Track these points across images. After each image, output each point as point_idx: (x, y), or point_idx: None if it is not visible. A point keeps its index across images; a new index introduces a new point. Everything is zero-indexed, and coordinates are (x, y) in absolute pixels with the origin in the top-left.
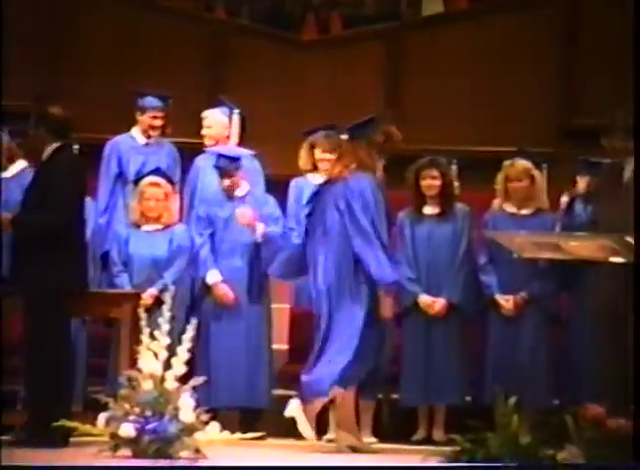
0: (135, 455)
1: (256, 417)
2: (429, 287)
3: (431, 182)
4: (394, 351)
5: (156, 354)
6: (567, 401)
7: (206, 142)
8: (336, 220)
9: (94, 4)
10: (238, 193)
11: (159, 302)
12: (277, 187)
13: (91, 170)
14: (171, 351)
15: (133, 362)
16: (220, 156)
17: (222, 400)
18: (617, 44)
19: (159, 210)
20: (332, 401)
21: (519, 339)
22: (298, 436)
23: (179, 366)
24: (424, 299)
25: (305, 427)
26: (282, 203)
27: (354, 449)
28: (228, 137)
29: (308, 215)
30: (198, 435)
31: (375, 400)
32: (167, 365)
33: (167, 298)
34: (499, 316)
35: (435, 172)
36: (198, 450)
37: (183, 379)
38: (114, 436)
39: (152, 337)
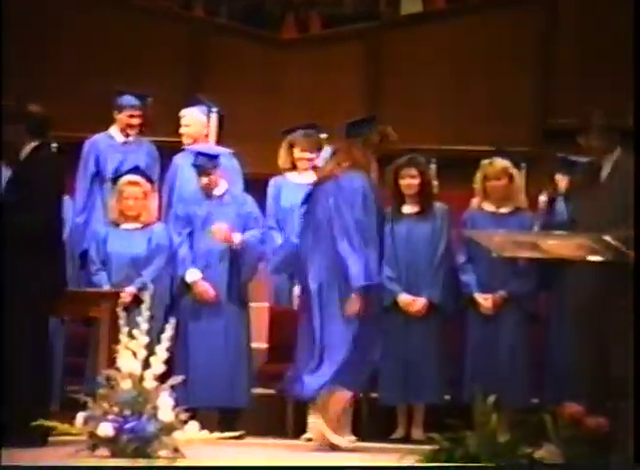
0: (113, 455)
1: (235, 416)
2: (408, 286)
3: (410, 181)
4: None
5: (134, 354)
6: (545, 400)
7: (185, 141)
8: (325, 219)
9: (72, 4)
10: (216, 192)
11: (137, 300)
12: (256, 186)
13: (69, 169)
14: (150, 350)
15: (112, 361)
16: (198, 153)
17: (201, 400)
18: (596, 44)
19: (137, 208)
20: (313, 401)
21: (498, 338)
22: (278, 435)
23: (158, 365)
24: (403, 298)
25: (337, 438)
26: (261, 202)
27: (333, 448)
28: (207, 136)
29: (304, 215)
30: (176, 434)
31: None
32: (146, 364)
33: (146, 297)
34: (478, 315)
35: (414, 171)
36: (176, 450)
37: (162, 378)
38: (92, 435)
39: (130, 336)
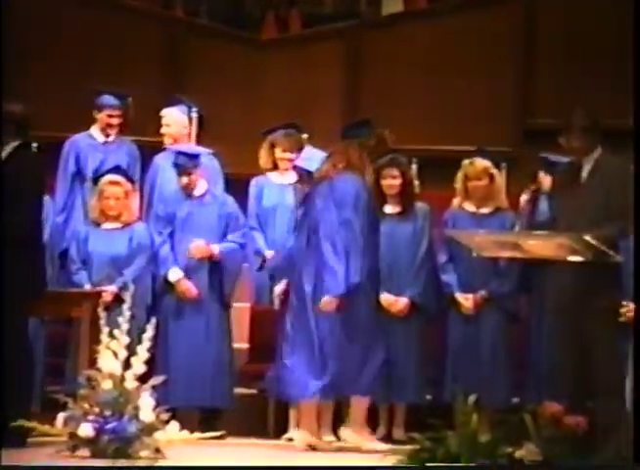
0: (94, 455)
1: (216, 416)
2: (390, 286)
3: (391, 181)
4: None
5: (115, 354)
6: (526, 400)
7: (166, 141)
8: (318, 220)
9: (52, 4)
10: (196, 192)
11: (118, 300)
12: (237, 186)
13: (49, 169)
14: (131, 350)
15: (92, 362)
16: (179, 153)
17: (182, 400)
18: (576, 44)
19: (118, 208)
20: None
21: (479, 338)
22: (259, 435)
23: (139, 365)
24: (385, 297)
25: (373, 444)
26: (242, 202)
27: (314, 448)
28: (189, 135)
29: (301, 216)
30: (157, 434)
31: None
32: (127, 365)
33: (127, 296)
34: (459, 315)
35: (396, 172)
36: (157, 450)
37: (143, 378)
38: (72, 436)
39: (111, 336)
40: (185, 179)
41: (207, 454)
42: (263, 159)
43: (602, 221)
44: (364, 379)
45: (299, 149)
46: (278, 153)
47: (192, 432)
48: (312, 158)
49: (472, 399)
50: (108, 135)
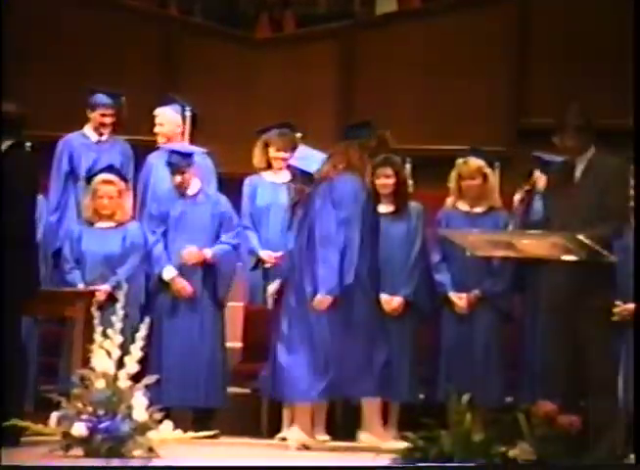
0: (87, 455)
1: (210, 416)
2: (384, 285)
3: (385, 181)
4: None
5: (109, 353)
6: (519, 399)
7: (159, 140)
8: (315, 220)
9: (45, 3)
10: (190, 191)
11: (112, 299)
12: (230, 185)
13: (43, 168)
14: (124, 349)
15: (86, 361)
16: (172, 151)
17: (175, 399)
18: (570, 43)
19: (112, 207)
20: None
21: (472, 337)
22: (252, 434)
23: (132, 365)
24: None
25: (390, 444)
26: (235, 201)
27: (307, 447)
28: (182, 134)
29: (301, 217)
30: (151, 434)
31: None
32: (120, 364)
33: (121, 295)
34: (453, 314)
35: (390, 171)
36: (151, 449)
37: (136, 378)
38: (66, 435)
39: (105, 335)
40: (178, 178)
41: (201, 454)
42: (257, 158)
43: (595, 221)
44: (368, 379)
45: (293, 148)
46: (272, 152)
47: (185, 431)
48: (306, 157)
49: (465, 398)
50: (101, 134)
